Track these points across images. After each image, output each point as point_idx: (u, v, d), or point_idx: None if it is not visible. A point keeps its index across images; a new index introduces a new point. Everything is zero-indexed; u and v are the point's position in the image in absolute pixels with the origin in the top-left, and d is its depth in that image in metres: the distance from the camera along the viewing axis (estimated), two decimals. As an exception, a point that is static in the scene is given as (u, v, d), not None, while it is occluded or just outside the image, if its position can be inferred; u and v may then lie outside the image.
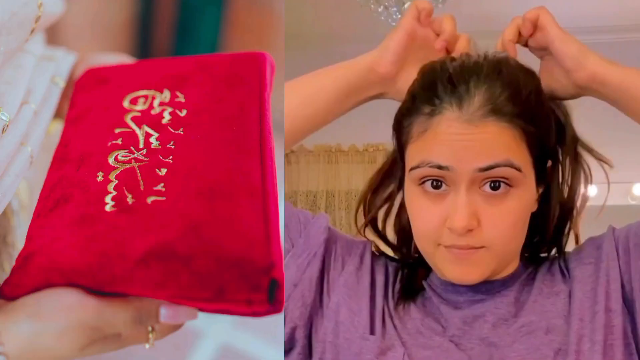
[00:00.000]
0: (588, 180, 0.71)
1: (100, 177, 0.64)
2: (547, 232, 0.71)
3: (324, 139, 2.52)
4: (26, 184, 0.80)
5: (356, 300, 0.71)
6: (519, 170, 0.64)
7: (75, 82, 0.75)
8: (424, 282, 0.73)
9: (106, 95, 0.72)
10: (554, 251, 0.73)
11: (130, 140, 0.67)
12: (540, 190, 0.69)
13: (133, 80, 0.74)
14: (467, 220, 0.63)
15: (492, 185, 0.64)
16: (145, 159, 0.65)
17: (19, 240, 0.77)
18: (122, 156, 0.65)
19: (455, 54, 0.71)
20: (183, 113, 0.69)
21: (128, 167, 0.64)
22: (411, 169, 0.66)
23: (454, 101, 0.64)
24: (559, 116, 0.71)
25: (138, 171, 0.63)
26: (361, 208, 0.76)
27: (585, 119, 0.75)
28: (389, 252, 0.77)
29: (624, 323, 0.64)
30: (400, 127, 0.69)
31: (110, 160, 0.65)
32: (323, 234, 0.74)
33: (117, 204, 0.61)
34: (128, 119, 0.69)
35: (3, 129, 0.63)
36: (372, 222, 0.76)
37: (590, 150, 0.72)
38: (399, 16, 1.72)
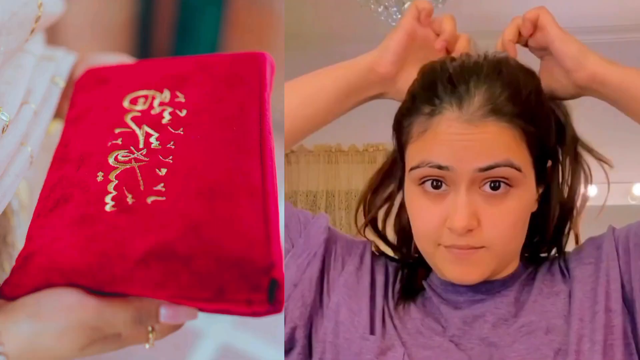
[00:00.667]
0: (588, 180, 0.71)
1: (100, 177, 0.64)
2: (547, 232, 0.71)
3: (324, 139, 2.52)
4: (26, 184, 0.80)
5: (356, 300, 0.71)
6: (519, 170, 0.64)
7: (75, 82, 0.75)
8: (424, 282, 0.73)
9: (106, 95, 0.72)
10: (554, 251, 0.73)
11: (130, 140, 0.67)
12: (540, 190, 0.69)
13: (133, 80, 0.74)
14: (467, 220, 0.63)
15: (492, 185, 0.64)
16: (145, 159, 0.65)
17: (19, 240, 0.77)
18: (122, 156, 0.65)
19: (455, 54, 0.71)
20: (183, 113, 0.69)
21: (128, 167, 0.64)
22: (411, 169, 0.66)
23: (454, 101, 0.64)
24: (559, 116, 0.71)
25: (138, 171, 0.63)
26: (361, 208, 0.76)
27: (585, 119, 0.75)
28: (389, 252, 0.77)
29: (624, 323, 0.64)
30: (400, 127, 0.69)
31: (110, 160, 0.65)
32: (323, 234, 0.74)
33: (117, 204, 0.61)
34: (128, 119, 0.69)
35: (3, 129, 0.63)
36: (372, 222, 0.76)
37: (590, 150, 0.72)
38: (399, 16, 1.72)
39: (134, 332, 0.61)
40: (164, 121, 0.68)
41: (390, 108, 0.72)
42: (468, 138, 0.63)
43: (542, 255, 0.73)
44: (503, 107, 0.63)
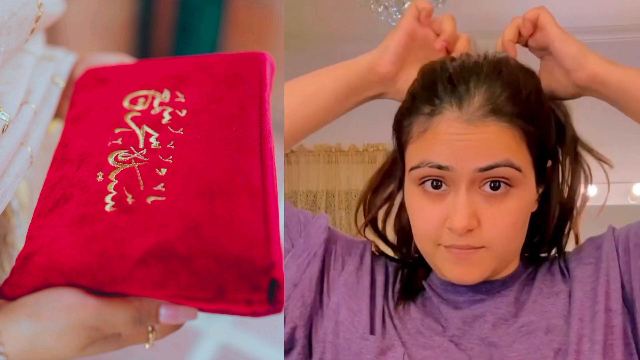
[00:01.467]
0: (588, 180, 0.71)
1: (100, 177, 0.64)
2: (547, 232, 0.71)
3: (324, 139, 2.52)
4: (26, 184, 0.80)
5: (356, 300, 0.71)
6: (519, 170, 0.64)
7: (75, 82, 0.75)
8: (424, 282, 0.73)
9: (106, 95, 0.72)
10: (554, 251, 0.73)
11: (130, 140, 0.67)
12: (540, 190, 0.69)
13: (133, 80, 0.74)
14: (467, 220, 0.63)
15: (492, 185, 0.64)
16: (145, 159, 0.65)
17: (19, 240, 0.77)
18: (122, 156, 0.65)
19: (455, 54, 0.71)
20: (183, 113, 0.69)
21: (128, 167, 0.64)
22: (411, 169, 0.66)
23: (454, 101, 0.64)
24: (559, 116, 0.71)
25: (138, 171, 0.63)
26: (361, 208, 0.76)
27: (585, 119, 0.75)
28: (389, 252, 0.77)
29: (624, 323, 0.64)
30: (400, 127, 0.69)
31: (110, 160, 0.65)
32: (323, 234, 0.74)
33: (117, 204, 0.61)
34: (128, 119, 0.69)
35: (3, 129, 0.63)
36: (372, 222, 0.76)
37: (590, 150, 0.72)
38: (399, 16, 1.72)
39: (134, 332, 0.61)
40: (164, 121, 0.68)
41: (390, 108, 0.72)
42: (468, 138, 0.63)
43: (542, 255, 0.73)
44: (503, 107, 0.63)
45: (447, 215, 0.65)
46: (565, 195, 0.71)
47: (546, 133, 0.67)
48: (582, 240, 0.73)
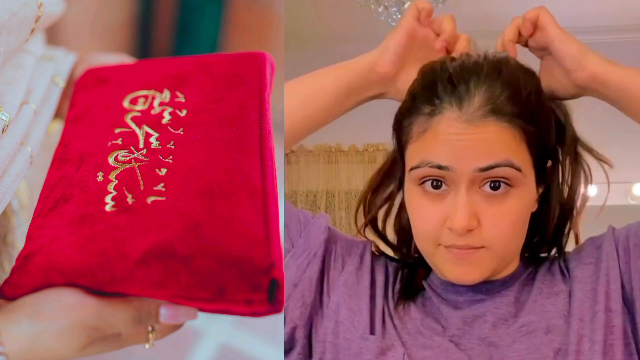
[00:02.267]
0: (588, 180, 0.71)
1: (100, 177, 0.64)
2: (547, 232, 0.71)
3: (324, 139, 2.52)
4: (26, 184, 0.80)
5: (356, 300, 0.71)
6: (519, 170, 0.64)
7: (75, 82, 0.75)
8: (424, 282, 0.73)
9: (106, 95, 0.72)
10: (554, 251, 0.73)
11: (130, 140, 0.67)
12: (540, 190, 0.69)
13: (133, 80, 0.74)
14: (467, 220, 0.63)
15: (492, 185, 0.64)
16: (145, 159, 0.65)
17: (19, 240, 0.77)
18: (122, 156, 0.65)
19: (455, 54, 0.71)
20: (183, 113, 0.69)
21: (128, 167, 0.64)
22: (411, 169, 0.66)
23: (454, 101, 0.64)
24: (559, 116, 0.71)
25: (138, 171, 0.63)
26: (361, 208, 0.76)
27: (585, 119, 0.75)
28: (389, 252, 0.77)
29: (624, 323, 0.64)
30: (400, 127, 0.69)
31: (110, 160, 0.65)
32: (323, 234, 0.74)
33: (117, 204, 0.61)
34: (128, 119, 0.69)
35: (3, 129, 0.63)
36: (372, 222, 0.76)
37: (590, 150, 0.72)
38: (399, 16, 1.72)
39: (134, 332, 0.61)
40: (164, 121, 0.68)
41: (390, 108, 0.72)
42: (468, 138, 0.63)
43: (542, 255, 0.73)
44: (503, 107, 0.63)
45: (447, 215, 0.65)
46: (565, 195, 0.71)
47: (546, 133, 0.67)
48: (582, 240, 0.73)
